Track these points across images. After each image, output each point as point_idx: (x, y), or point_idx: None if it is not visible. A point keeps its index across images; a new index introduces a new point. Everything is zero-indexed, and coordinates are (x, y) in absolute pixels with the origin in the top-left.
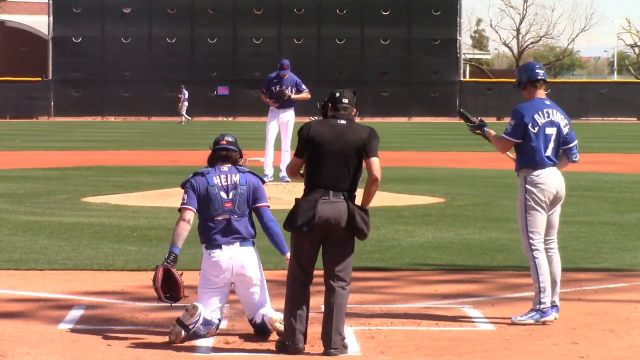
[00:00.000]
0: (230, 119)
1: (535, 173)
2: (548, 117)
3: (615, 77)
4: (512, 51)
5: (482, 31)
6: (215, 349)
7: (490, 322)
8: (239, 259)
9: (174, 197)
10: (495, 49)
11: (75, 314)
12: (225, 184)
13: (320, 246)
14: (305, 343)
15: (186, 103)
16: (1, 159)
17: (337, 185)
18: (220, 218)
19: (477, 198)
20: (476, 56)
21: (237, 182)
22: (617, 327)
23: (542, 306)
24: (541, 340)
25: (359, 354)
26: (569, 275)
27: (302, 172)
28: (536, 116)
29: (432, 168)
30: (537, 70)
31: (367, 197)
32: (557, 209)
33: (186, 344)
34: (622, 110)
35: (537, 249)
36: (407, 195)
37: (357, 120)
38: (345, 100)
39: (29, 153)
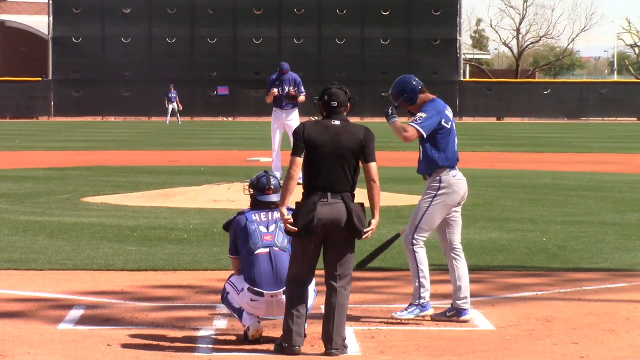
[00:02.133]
0: (230, 119)
1: (452, 173)
2: (451, 114)
3: (615, 77)
4: (512, 51)
5: (482, 31)
6: (215, 349)
7: (490, 322)
8: (282, 302)
9: (174, 197)
10: (495, 49)
11: (75, 314)
12: (265, 219)
13: (321, 248)
14: (302, 345)
15: (172, 104)
16: (1, 159)
17: (334, 187)
18: (259, 251)
19: (477, 198)
20: (476, 56)
21: (277, 217)
22: (617, 327)
23: (421, 301)
24: (541, 340)
25: (359, 353)
26: (569, 275)
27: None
28: (447, 112)
29: None
30: (414, 81)
31: (375, 203)
32: (460, 210)
33: (186, 344)
34: (622, 110)
35: (419, 245)
36: (407, 195)
37: (357, 119)
38: (334, 104)
39: (29, 153)
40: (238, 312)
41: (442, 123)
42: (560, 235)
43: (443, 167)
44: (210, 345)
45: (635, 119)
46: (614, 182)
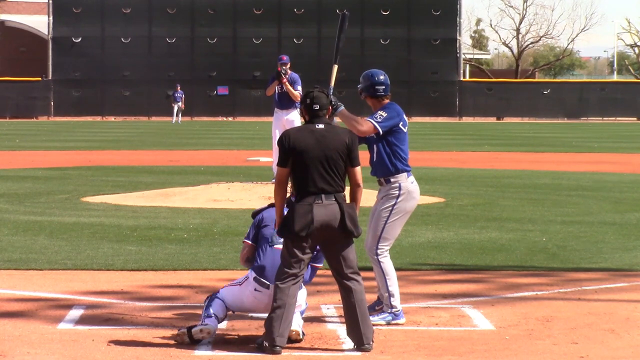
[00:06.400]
0: (230, 118)
1: (410, 179)
2: (406, 119)
3: (615, 77)
4: (512, 51)
5: (482, 31)
6: (215, 349)
7: (490, 322)
8: None
9: (173, 196)
10: (495, 49)
11: (75, 314)
12: None
13: (315, 247)
14: (283, 345)
15: (178, 103)
16: (1, 159)
17: (326, 189)
18: (278, 246)
19: (477, 198)
20: (476, 56)
21: None
22: (617, 327)
23: (394, 310)
24: (541, 340)
25: (358, 353)
26: (569, 275)
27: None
28: (405, 117)
29: (432, 168)
30: (377, 87)
31: (357, 203)
32: None
33: (186, 344)
34: (622, 110)
35: (383, 255)
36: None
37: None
38: (317, 107)
39: (29, 153)
40: (207, 313)
41: (400, 126)
42: (560, 235)
43: (403, 172)
44: (210, 345)
45: (635, 119)
46: (614, 182)
